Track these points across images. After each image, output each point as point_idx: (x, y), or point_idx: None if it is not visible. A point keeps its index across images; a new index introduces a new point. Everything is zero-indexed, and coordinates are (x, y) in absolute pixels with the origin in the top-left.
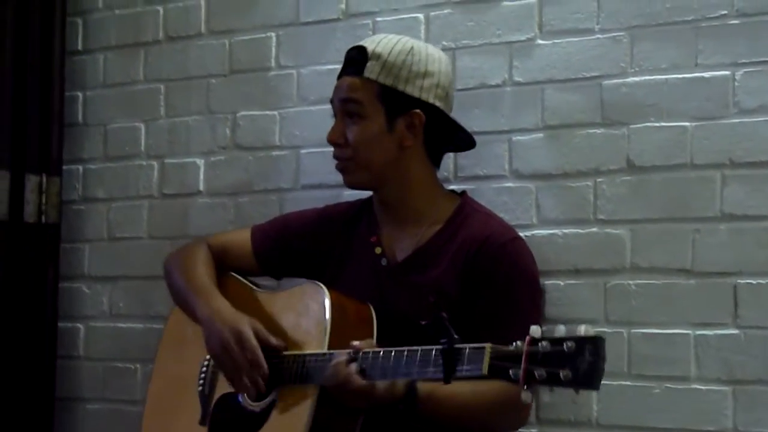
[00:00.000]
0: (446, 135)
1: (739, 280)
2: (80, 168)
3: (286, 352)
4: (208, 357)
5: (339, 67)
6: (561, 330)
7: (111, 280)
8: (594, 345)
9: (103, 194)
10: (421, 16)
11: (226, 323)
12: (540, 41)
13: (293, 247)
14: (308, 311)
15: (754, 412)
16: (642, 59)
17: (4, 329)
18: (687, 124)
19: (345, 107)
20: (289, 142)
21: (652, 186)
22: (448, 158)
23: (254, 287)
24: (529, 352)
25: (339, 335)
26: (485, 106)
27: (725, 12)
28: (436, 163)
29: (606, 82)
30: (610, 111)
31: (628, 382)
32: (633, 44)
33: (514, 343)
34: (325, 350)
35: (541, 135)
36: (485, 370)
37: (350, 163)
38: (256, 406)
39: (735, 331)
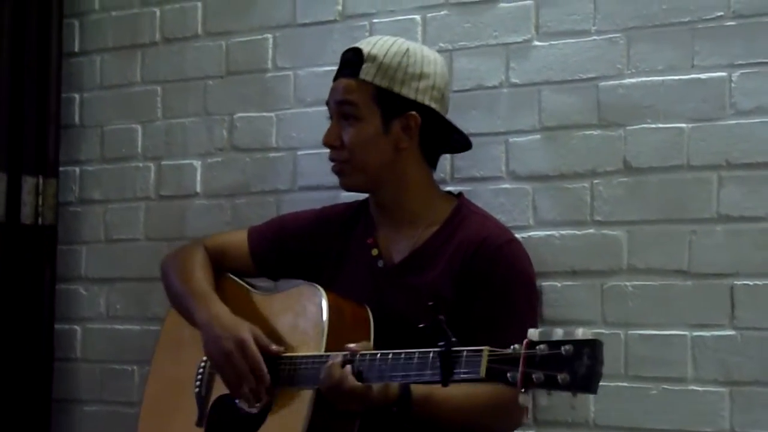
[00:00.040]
0: (442, 137)
1: (735, 282)
2: (77, 169)
3: (283, 354)
4: (204, 358)
5: (336, 68)
6: (559, 333)
7: (108, 281)
8: (592, 348)
9: (100, 196)
10: (417, 17)
11: (225, 330)
12: (537, 43)
13: (290, 248)
14: (305, 313)
15: (751, 413)
16: (638, 61)
17: (1, 331)
18: (684, 125)
19: (341, 109)
20: (286, 144)
21: (648, 187)
22: (445, 160)
23: (251, 289)
24: (527, 356)
25: (336, 337)
26: (482, 107)
27: (722, 13)
28: (432, 164)
29: (603, 83)
30: (606, 112)
31: (625, 384)
32: (629, 46)
33: (512, 347)
34: (322, 352)
35: (537, 136)
36: (483, 373)
37: (346, 165)
38: (252, 408)
39: (732, 333)
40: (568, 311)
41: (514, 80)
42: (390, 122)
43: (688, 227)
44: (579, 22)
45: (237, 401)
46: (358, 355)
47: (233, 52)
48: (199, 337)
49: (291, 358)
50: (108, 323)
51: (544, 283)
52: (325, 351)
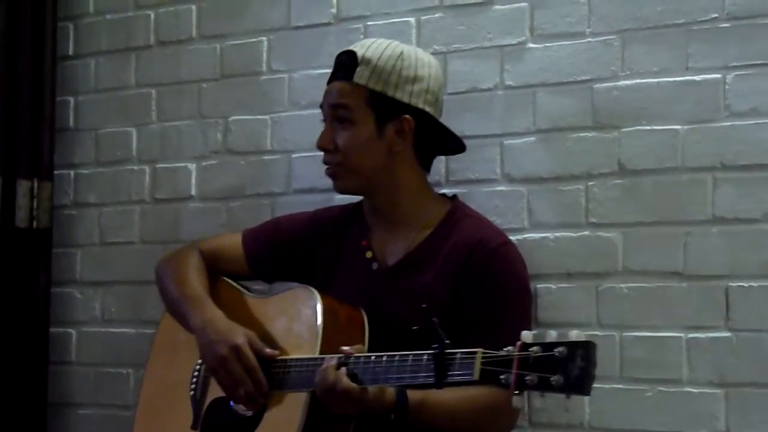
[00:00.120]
0: (436, 140)
1: (730, 283)
2: (72, 173)
3: (277, 357)
4: (199, 361)
5: (330, 71)
6: (552, 335)
7: (103, 285)
8: (585, 350)
9: (95, 199)
10: (412, 20)
11: (220, 334)
12: (531, 45)
13: (285, 250)
14: (300, 316)
15: (746, 415)
16: (633, 63)
17: None
18: (678, 127)
19: (334, 113)
20: (280, 147)
21: (643, 189)
22: (440, 162)
23: (246, 292)
24: (520, 358)
25: (331, 340)
26: (477, 109)
27: (716, 15)
28: (427, 167)
29: (597, 85)
30: (601, 114)
31: (620, 385)
32: (624, 48)
33: (505, 349)
34: (316, 355)
35: (532, 139)
36: (477, 375)
37: (340, 168)
38: (247, 411)
39: (727, 334)
40: (563, 313)
41: (508, 82)
42: (384, 126)
43: (682, 229)
44: (573, 25)
45: (232, 404)
46: (352, 358)
47: (228, 55)
48: (194, 340)
49: (285, 361)
50: (103, 326)
51: (539, 286)
52: (320, 354)
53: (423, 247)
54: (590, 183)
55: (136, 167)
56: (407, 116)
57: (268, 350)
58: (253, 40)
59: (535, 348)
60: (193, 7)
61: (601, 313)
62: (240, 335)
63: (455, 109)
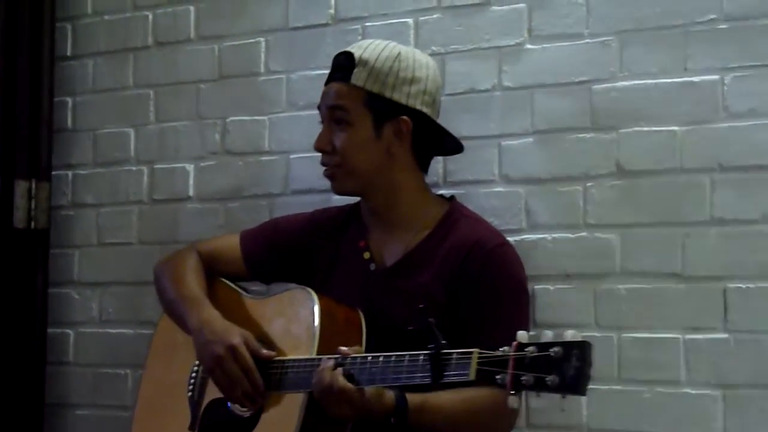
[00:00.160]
0: (433, 140)
1: (728, 284)
2: (69, 173)
3: (274, 358)
4: (197, 362)
5: (328, 72)
6: (548, 335)
7: (101, 285)
8: (581, 350)
9: (93, 200)
10: (410, 21)
11: (216, 335)
12: (529, 46)
13: (282, 251)
14: (297, 317)
15: (744, 417)
16: (631, 64)
17: None
18: (676, 128)
19: (332, 114)
20: (278, 148)
21: (641, 190)
22: (438, 163)
23: (244, 293)
24: (516, 358)
25: (328, 341)
26: (475, 110)
27: (714, 16)
28: (424, 168)
29: (595, 86)
30: (599, 115)
31: (618, 387)
32: (622, 49)
33: (501, 349)
34: (313, 356)
35: (530, 140)
36: (472, 375)
37: (338, 170)
38: (245, 411)
39: (725, 336)
40: (561, 314)
41: (506, 83)
42: (381, 127)
43: (681, 230)
44: (572, 26)
45: (229, 405)
46: (349, 358)
47: (226, 56)
48: (192, 341)
49: (283, 362)
50: (101, 327)
51: (537, 287)
52: (317, 355)
53: (421, 248)
54: (588, 184)
55: (134, 168)
56: (405, 117)
57: (264, 351)
58: (251, 40)
59: (530, 348)
60: (191, 7)
61: (599, 315)
62: (236, 335)
63: (453, 110)
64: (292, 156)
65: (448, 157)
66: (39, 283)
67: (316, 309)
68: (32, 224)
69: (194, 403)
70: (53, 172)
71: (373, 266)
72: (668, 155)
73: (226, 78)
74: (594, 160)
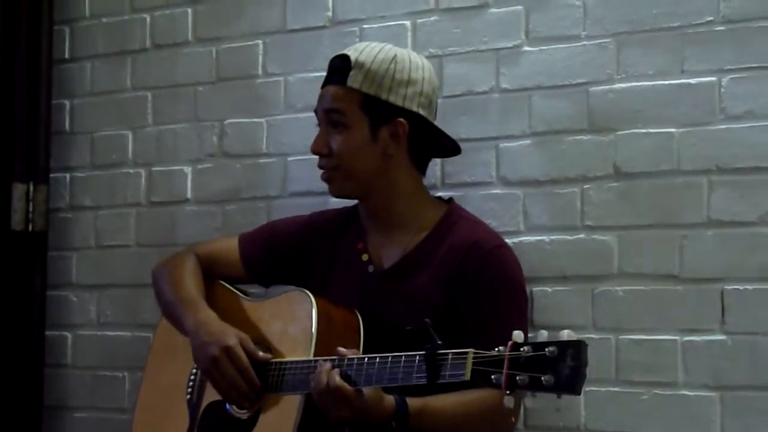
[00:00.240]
0: (431, 142)
1: (726, 286)
2: (67, 176)
3: (272, 360)
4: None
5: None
6: (543, 335)
7: (98, 288)
8: (576, 350)
9: (91, 202)
10: (407, 23)
11: (212, 336)
12: (527, 48)
13: (281, 254)
14: (295, 319)
15: (741, 418)
16: (628, 66)
17: None
18: (674, 130)
19: (328, 117)
20: (276, 150)
21: (639, 192)
22: (435, 165)
23: (242, 295)
24: (511, 358)
25: (325, 343)
26: (472, 112)
27: (711, 18)
28: (422, 170)
29: (593, 88)
30: (597, 117)
31: (616, 388)
32: (619, 51)
33: (496, 349)
34: (311, 358)
35: (528, 142)
36: (468, 375)
37: (335, 172)
38: (243, 414)
39: (722, 337)
40: (558, 316)
41: (504, 86)
42: (378, 129)
43: (678, 232)
44: (569, 28)
45: (227, 406)
46: (345, 360)
47: (223, 58)
48: (190, 345)
49: (280, 363)
50: (98, 330)
51: (535, 289)
52: (314, 357)
53: (419, 250)
54: (586, 186)
55: (131, 170)
56: (401, 119)
57: (260, 353)
58: (248, 43)
59: (526, 348)
60: (189, 10)
61: (597, 316)
62: (232, 336)
63: (451, 112)
64: (289, 158)
65: (445, 159)
66: (37, 285)
67: (314, 311)
68: (30, 227)
69: (193, 405)
70: (51, 175)
71: (371, 268)
72: (665, 157)
73: (223, 80)
74: (591, 162)
